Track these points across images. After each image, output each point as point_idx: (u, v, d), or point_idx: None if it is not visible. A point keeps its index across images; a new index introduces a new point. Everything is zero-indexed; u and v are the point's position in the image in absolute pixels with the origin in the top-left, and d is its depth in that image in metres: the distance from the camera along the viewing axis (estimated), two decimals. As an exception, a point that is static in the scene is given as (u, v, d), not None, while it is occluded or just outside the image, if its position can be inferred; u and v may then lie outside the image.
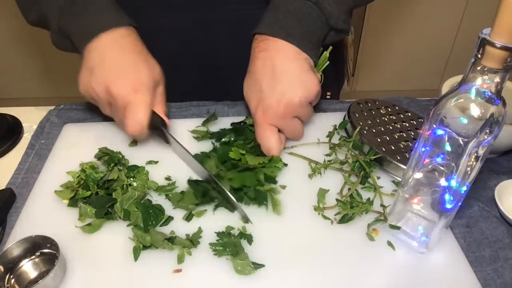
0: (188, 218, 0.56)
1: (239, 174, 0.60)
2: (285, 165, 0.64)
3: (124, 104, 0.59)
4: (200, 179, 0.61)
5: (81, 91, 0.62)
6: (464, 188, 0.46)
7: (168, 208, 0.58)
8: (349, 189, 0.60)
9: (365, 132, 0.66)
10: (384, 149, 0.63)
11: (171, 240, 0.53)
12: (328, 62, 0.67)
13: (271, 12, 0.63)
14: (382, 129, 0.67)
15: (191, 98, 0.78)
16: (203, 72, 0.82)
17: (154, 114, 0.62)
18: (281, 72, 0.61)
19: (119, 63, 0.60)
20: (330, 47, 0.67)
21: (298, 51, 0.62)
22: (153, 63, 0.63)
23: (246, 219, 0.56)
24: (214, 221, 0.56)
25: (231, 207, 0.58)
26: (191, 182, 0.60)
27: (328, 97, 0.70)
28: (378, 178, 0.61)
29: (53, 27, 0.63)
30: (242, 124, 0.70)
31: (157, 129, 0.63)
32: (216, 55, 0.79)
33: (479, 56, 0.38)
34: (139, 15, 0.69)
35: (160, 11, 0.74)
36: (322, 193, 0.60)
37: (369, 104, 0.73)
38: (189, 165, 0.63)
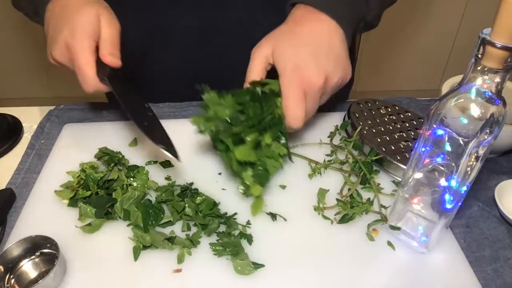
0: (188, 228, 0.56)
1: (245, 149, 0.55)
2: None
3: (68, 62, 0.57)
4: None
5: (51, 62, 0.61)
6: (464, 188, 0.46)
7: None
8: (349, 189, 0.60)
9: (365, 132, 0.66)
10: (384, 149, 0.63)
11: (171, 240, 0.53)
12: None
13: None
14: (382, 129, 0.68)
15: (192, 97, 0.78)
16: (206, 73, 0.82)
17: (101, 62, 0.58)
18: (329, 48, 0.58)
19: (56, 25, 0.58)
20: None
21: (343, 35, 0.60)
22: (86, 8, 0.58)
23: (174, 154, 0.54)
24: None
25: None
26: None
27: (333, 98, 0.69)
28: (378, 184, 0.61)
29: (25, 5, 0.63)
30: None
31: (103, 79, 0.58)
32: (221, 56, 0.79)
33: (479, 56, 0.38)
34: (146, 16, 0.69)
35: (168, 12, 0.74)
36: (322, 193, 0.60)
37: (369, 104, 0.73)
38: (130, 116, 0.59)
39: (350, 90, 0.92)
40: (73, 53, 0.56)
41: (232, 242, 0.53)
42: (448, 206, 0.48)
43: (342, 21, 0.59)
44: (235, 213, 0.57)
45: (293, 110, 0.56)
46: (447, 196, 0.47)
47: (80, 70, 0.56)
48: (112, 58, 0.59)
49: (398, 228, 0.54)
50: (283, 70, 0.57)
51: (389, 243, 0.54)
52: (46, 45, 0.62)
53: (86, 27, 0.57)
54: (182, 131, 0.65)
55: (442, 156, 0.45)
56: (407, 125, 0.69)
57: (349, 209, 0.57)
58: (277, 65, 0.58)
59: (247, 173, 0.56)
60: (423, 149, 0.47)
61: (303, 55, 0.57)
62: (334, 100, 0.68)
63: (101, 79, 0.58)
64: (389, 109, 0.72)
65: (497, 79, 0.39)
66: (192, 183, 0.61)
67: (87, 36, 0.57)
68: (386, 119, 0.70)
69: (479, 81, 0.40)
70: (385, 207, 0.58)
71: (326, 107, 0.70)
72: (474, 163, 0.44)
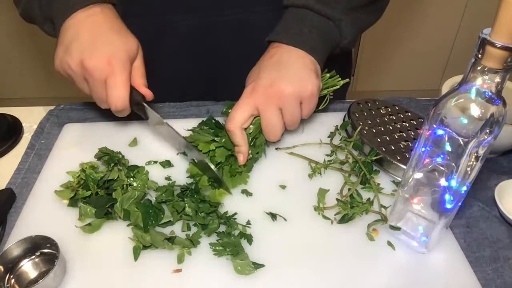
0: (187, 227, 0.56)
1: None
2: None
3: (100, 78, 0.58)
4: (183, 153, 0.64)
5: (56, 67, 0.62)
6: (464, 188, 0.46)
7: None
8: (349, 189, 0.60)
9: (365, 132, 0.66)
10: (384, 149, 0.63)
11: (171, 240, 0.53)
12: (337, 86, 0.69)
13: (294, 25, 0.64)
14: (382, 129, 0.68)
15: (192, 97, 0.78)
16: (205, 72, 0.82)
17: (133, 89, 0.61)
18: (285, 63, 0.62)
19: (93, 38, 0.59)
20: (347, 80, 0.70)
21: (311, 60, 0.63)
22: (128, 37, 0.62)
23: (227, 190, 0.60)
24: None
25: (217, 183, 0.60)
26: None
27: (331, 97, 0.69)
28: (378, 184, 0.61)
29: (37, 12, 0.63)
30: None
31: (138, 104, 0.62)
32: (219, 57, 0.80)
33: (479, 56, 0.38)
34: (147, 16, 0.69)
35: (168, 13, 0.74)
36: (322, 193, 0.60)
37: (369, 104, 0.73)
38: (168, 142, 0.64)
39: (345, 91, 0.93)
40: (113, 70, 0.58)
41: (232, 242, 0.53)
42: (448, 206, 0.48)
43: (314, 52, 0.63)
44: (235, 213, 0.57)
45: (231, 112, 0.62)
46: (447, 196, 0.47)
47: (117, 87, 0.58)
48: (148, 91, 0.64)
49: (398, 228, 0.54)
50: (245, 89, 0.64)
51: (389, 243, 0.54)
52: (50, 47, 0.62)
53: (130, 51, 0.60)
54: (182, 131, 0.65)
55: (442, 156, 0.45)
56: (407, 125, 0.69)
57: (349, 209, 0.57)
58: None
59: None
60: (423, 149, 0.47)
61: (258, 71, 0.63)
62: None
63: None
64: (389, 109, 0.72)
65: (497, 79, 0.39)
66: (192, 183, 0.61)
67: (129, 60, 0.60)
68: (386, 119, 0.70)
69: (479, 81, 0.40)
70: (385, 207, 0.58)
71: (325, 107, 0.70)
72: (474, 163, 0.44)
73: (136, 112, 0.63)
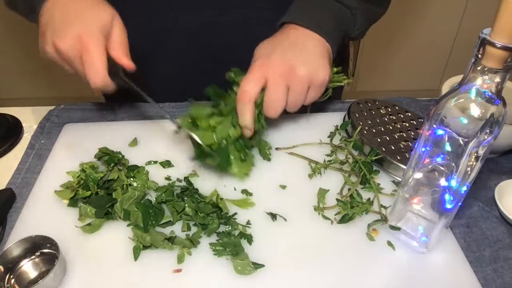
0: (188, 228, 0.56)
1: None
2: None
3: (75, 56, 0.57)
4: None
5: (41, 55, 0.61)
6: (464, 188, 0.46)
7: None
8: (349, 189, 0.60)
9: (365, 132, 0.66)
10: (384, 149, 0.63)
11: (171, 240, 0.53)
12: (341, 83, 0.68)
13: (311, 8, 0.64)
14: (382, 129, 0.68)
15: (192, 98, 0.78)
16: (207, 72, 0.82)
17: (112, 61, 0.59)
18: (301, 46, 0.61)
19: (64, 18, 0.58)
20: (350, 80, 0.70)
21: (325, 46, 0.63)
22: (100, 9, 0.60)
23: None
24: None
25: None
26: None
27: (330, 95, 0.69)
28: (378, 184, 0.61)
29: (21, 4, 0.63)
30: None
31: (118, 77, 0.60)
32: (220, 56, 0.79)
33: (479, 56, 0.38)
34: (148, 16, 0.69)
35: (168, 13, 0.74)
36: (322, 193, 0.60)
37: (369, 104, 0.73)
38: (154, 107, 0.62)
39: (341, 90, 0.93)
40: (86, 46, 0.56)
41: (232, 242, 0.53)
42: (448, 206, 0.48)
43: (329, 38, 0.63)
44: (235, 213, 0.57)
45: (243, 84, 0.60)
46: (447, 196, 0.47)
47: (92, 63, 0.56)
48: (128, 60, 0.60)
49: (398, 228, 0.54)
50: (253, 62, 0.62)
51: (389, 243, 0.54)
52: (39, 36, 0.62)
53: (102, 24, 0.58)
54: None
55: (442, 156, 0.45)
56: (407, 125, 0.69)
57: (349, 209, 0.57)
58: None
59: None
60: (423, 149, 0.47)
61: (272, 48, 0.61)
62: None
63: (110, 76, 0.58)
64: (389, 109, 0.72)
65: (497, 79, 0.39)
66: (192, 184, 0.61)
67: (101, 32, 0.57)
68: (386, 119, 0.70)
69: (479, 81, 0.40)
70: (385, 207, 0.58)
71: (326, 106, 0.70)
72: (474, 163, 0.44)
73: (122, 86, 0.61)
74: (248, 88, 0.59)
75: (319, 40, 0.62)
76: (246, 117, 0.60)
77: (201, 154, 0.61)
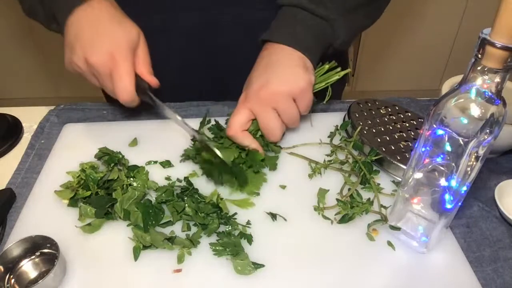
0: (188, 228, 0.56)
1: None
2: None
3: (105, 72, 0.59)
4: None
5: (66, 67, 0.63)
6: (464, 188, 0.46)
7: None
8: (349, 189, 0.60)
9: (365, 132, 0.66)
10: (384, 149, 0.63)
11: (171, 240, 0.53)
12: (338, 77, 0.68)
13: (289, 25, 0.64)
14: (382, 129, 0.68)
15: (192, 97, 0.78)
16: (207, 72, 0.82)
17: (138, 78, 0.61)
18: (272, 64, 0.62)
19: (94, 33, 0.60)
20: (349, 70, 0.70)
21: (303, 58, 0.63)
22: (128, 26, 0.62)
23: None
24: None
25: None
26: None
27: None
28: (378, 184, 0.61)
29: (41, 10, 0.64)
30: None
31: (144, 93, 0.62)
32: (220, 55, 0.79)
33: (479, 56, 0.38)
34: (147, 14, 0.69)
35: (172, 11, 0.74)
36: (322, 193, 0.60)
37: (369, 104, 0.73)
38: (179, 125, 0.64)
39: (342, 90, 0.93)
40: (116, 64, 0.58)
41: (232, 242, 0.53)
42: (448, 206, 0.48)
43: (308, 51, 0.64)
44: (235, 213, 0.57)
45: (232, 117, 0.63)
46: (447, 196, 0.47)
47: (122, 79, 0.58)
48: (152, 77, 0.63)
49: (398, 228, 0.54)
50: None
51: (389, 243, 0.54)
52: (50, 47, 0.62)
53: (131, 42, 0.61)
54: (182, 131, 0.65)
55: (442, 156, 0.45)
56: (407, 125, 0.69)
57: (349, 209, 0.57)
58: None
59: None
60: (423, 149, 0.47)
61: (250, 78, 0.64)
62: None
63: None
64: (389, 109, 0.72)
65: (497, 79, 0.39)
66: (192, 184, 0.61)
67: (131, 50, 0.60)
68: (386, 119, 0.70)
69: (479, 81, 0.40)
70: (385, 207, 0.58)
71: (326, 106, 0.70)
72: (474, 163, 0.44)
73: (145, 101, 0.63)
74: (232, 121, 0.62)
75: (293, 53, 0.63)
76: (245, 143, 0.62)
77: (213, 169, 0.61)
